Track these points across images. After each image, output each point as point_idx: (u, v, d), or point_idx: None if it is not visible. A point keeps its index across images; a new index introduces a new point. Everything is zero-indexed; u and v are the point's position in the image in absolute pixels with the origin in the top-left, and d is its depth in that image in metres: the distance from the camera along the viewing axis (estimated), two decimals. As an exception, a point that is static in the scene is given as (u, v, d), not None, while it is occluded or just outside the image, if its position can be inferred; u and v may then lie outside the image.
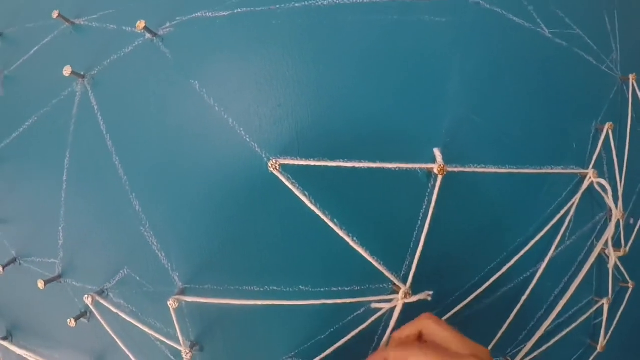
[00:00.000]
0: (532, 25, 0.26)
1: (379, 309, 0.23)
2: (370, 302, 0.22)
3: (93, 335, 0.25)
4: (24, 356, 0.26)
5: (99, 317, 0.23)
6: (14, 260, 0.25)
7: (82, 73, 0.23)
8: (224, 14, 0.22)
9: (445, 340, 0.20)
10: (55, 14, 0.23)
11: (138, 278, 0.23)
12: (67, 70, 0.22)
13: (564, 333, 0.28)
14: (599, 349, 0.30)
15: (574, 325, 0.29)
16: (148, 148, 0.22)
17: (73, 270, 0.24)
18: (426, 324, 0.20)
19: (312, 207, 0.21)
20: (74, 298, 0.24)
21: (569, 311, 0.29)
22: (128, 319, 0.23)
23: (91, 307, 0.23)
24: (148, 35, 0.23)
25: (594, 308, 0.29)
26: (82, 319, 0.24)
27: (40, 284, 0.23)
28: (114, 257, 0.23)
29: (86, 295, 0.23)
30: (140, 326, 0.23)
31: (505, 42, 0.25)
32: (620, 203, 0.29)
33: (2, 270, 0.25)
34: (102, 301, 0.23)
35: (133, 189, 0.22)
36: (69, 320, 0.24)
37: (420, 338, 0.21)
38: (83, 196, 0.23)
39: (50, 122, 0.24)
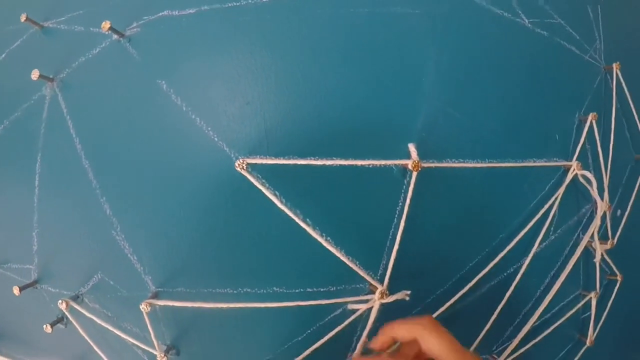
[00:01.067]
0: (511, 15, 0.25)
1: (356, 310, 0.22)
2: (346, 303, 0.21)
3: (71, 340, 0.24)
4: (5, 362, 0.25)
5: (74, 323, 0.22)
6: (-10, 267, 0.25)
7: (51, 76, 0.22)
8: (191, 11, 0.21)
9: (441, 354, 0.17)
10: (23, 18, 0.22)
11: (112, 282, 0.22)
12: (34, 74, 0.22)
13: (551, 329, 0.27)
14: (588, 343, 0.28)
15: (561, 320, 0.27)
16: (117, 151, 0.21)
17: (49, 276, 0.24)
18: (422, 334, 0.18)
19: (282, 207, 0.20)
20: (50, 304, 0.24)
21: (556, 306, 0.28)
22: (103, 324, 0.22)
23: (65, 312, 0.22)
24: (115, 36, 0.22)
25: (582, 302, 0.28)
26: (59, 325, 0.24)
27: (16, 290, 0.23)
28: (88, 261, 0.22)
29: (60, 301, 0.22)
30: (116, 331, 0.22)
31: (483, 32, 0.24)
32: (606, 195, 0.27)
33: (-19, 277, 0.25)
34: (76, 306, 0.22)
35: (103, 192, 0.22)
36: (44, 326, 0.23)
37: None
38: (55, 201, 0.23)
39: (22, 126, 0.23)
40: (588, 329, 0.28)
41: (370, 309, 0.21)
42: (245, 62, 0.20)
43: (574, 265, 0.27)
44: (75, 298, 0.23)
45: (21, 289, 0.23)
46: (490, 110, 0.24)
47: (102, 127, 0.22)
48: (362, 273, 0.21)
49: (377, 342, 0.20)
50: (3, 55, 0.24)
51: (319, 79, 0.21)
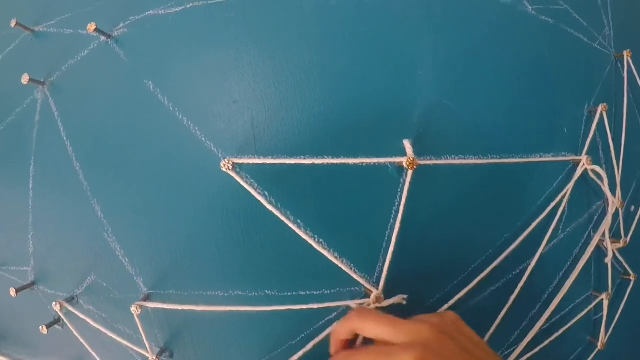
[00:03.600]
0: (513, 2, 0.23)
1: (351, 313, 0.20)
2: (340, 307, 0.19)
3: (68, 341, 0.23)
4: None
5: (68, 324, 0.22)
6: (-10, 269, 0.24)
7: (42, 80, 0.22)
8: (176, 10, 0.20)
9: (380, 336, 0.16)
10: (13, 23, 0.22)
11: (105, 284, 0.21)
12: (25, 79, 0.21)
13: (561, 331, 0.25)
14: (599, 346, 0.26)
15: (571, 322, 0.25)
16: (106, 152, 0.20)
17: (45, 278, 0.23)
18: (354, 324, 0.17)
19: (270, 208, 0.18)
20: (47, 305, 0.23)
21: (566, 308, 0.25)
22: (97, 326, 0.21)
23: (60, 314, 0.21)
24: (102, 38, 0.20)
25: (593, 304, 0.26)
26: (55, 326, 0.23)
27: (12, 292, 0.22)
28: (81, 263, 0.21)
29: (54, 303, 0.21)
30: (109, 333, 0.21)
31: (483, 20, 0.22)
32: (618, 191, 0.25)
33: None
34: (70, 308, 0.21)
35: (94, 194, 0.21)
36: (40, 327, 0.22)
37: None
38: (48, 203, 0.22)
39: (16, 130, 0.22)
40: (599, 331, 0.26)
41: (365, 313, 0.20)
42: (231, 59, 0.19)
43: (584, 265, 0.24)
44: (70, 300, 0.22)
45: (18, 290, 0.22)
46: (492, 102, 0.21)
47: (92, 129, 0.21)
48: (355, 276, 0.19)
49: (332, 349, 0.19)
50: (-2, 61, 0.24)
51: (308, 74, 0.19)
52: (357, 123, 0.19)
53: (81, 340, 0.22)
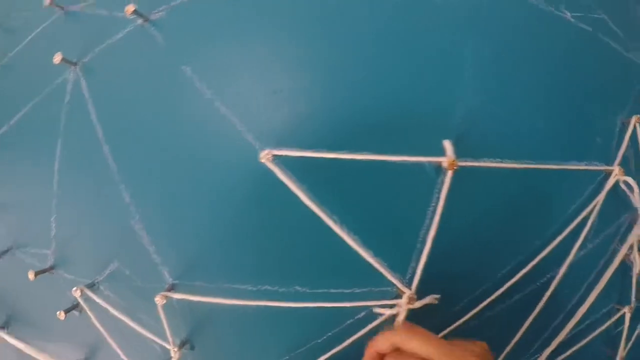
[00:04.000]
0: (554, 8, 0.22)
1: (381, 314, 0.20)
2: (371, 306, 0.19)
3: (85, 328, 0.22)
4: (18, 346, 0.24)
5: (87, 311, 0.21)
6: (8, 250, 0.23)
7: (74, 61, 0.21)
8: (219, -5, 0.20)
9: (426, 355, 0.16)
10: (47, 1, 0.21)
11: (128, 272, 0.21)
12: (57, 58, 0.20)
13: (582, 343, 0.24)
14: (618, 360, 0.26)
15: (593, 334, 0.25)
16: (138, 137, 0.20)
17: (65, 262, 0.22)
18: (400, 338, 0.17)
19: (309, 203, 0.18)
20: (66, 290, 0.22)
21: (588, 319, 0.25)
22: (117, 314, 0.21)
23: (79, 300, 0.21)
24: (140, 20, 0.20)
25: (616, 317, 0.25)
26: (73, 312, 0.22)
27: (31, 275, 0.21)
28: (104, 250, 0.21)
29: (75, 288, 0.21)
30: (130, 322, 0.21)
31: (524, 25, 0.21)
32: (647, 204, 0.25)
33: (-2, 261, 0.23)
34: (91, 294, 0.21)
35: (123, 179, 0.20)
36: (58, 312, 0.21)
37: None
38: (74, 187, 0.21)
39: (43, 111, 0.22)
40: (618, 345, 0.26)
41: (395, 315, 0.19)
42: (274, 49, 0.19)
43: (609, 278, 0.24)
44: (91, 286, 0.21)
45: (36, 273, 0.21)
46: (530, 108, 0.21)
47: (124, 113, 0.20)
48: (390, 276, 0.19)
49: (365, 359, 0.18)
50: (27, 40, 0.23)
51: (352, 69, 0.19)
52: (397, 121, 0.19)
53: (100, 328, 0.21)
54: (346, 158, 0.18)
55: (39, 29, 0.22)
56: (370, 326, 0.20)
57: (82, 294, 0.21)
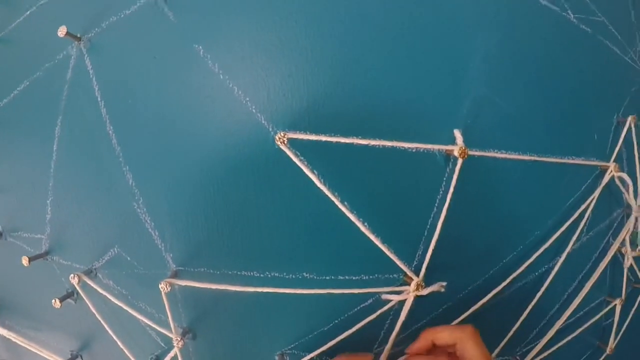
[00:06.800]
0: (558, 8, 0.23)
1: (387, 301, 0.20)
2: (379, 293, 0.19)
3: (80, 317, 0.22)
4: (7, 337, 0.23)
5: (85, 299, 0.20)
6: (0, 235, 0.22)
7: (79, 35, 0.20)
8: (234, -26, 0.19)
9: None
10: (51, -28, 0.20)
11: (129, 258, 0.20)
12: (61, 31, 0.19)
13: (575, 333, 0.25)
14: (608, 351, 0.27)
15: (585, 325, 0.25)
16: (145, 117, 0.19)
17: (60, 247, 0.21)
18: (463, 341, 0.18)
19: (322, 187, 0.18)
20: (61, 277, 0.21)
21: (580, 311, 0.26)
22: (116, 301, 0.20)
23: (77, 287, 0.20)
24: (150, -4, 0.20)
25: (607, 309, 0.26)
26: (68, 300, 0.21)
27: (25, 261, 0.20)
28: (104, 234, 0.20)
29: (72, 275, 0.20)
30: (130, 310, 0.20)
31: (531, 22, 0.22)
32: (639, 200, 0.26)
33: (-13, 246, 0.22)
34: (89, 282, 0.20)
35: (127, 161, 0.19)
36: (53, 300, 0.20)
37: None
38: (73, 167, 0.20)
39: (43, 87, 0.21)
40: (609, 336, 0.27)
41: (402, 301, 0.19)
42: (290, 31, 0.18)
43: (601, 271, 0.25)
44: (88, 272, 0.20)
45: (31, 259, 0.20)
46: (534, 102, 0.22)
47: (131, 91, 0.19)
48: (399, 263, 0.19)
49: (414, 347, 0.19)
50: (27, 12, 0.22)
51: (366, 56, 0.19)
52: (409, 109, 0.19)
53: (98, 317, 0.20)
54: (361, 143, 0.18)
55: (41, 1, 0.21)
56: (377, 313, 0.20)
57: (80, 281, 0.20)
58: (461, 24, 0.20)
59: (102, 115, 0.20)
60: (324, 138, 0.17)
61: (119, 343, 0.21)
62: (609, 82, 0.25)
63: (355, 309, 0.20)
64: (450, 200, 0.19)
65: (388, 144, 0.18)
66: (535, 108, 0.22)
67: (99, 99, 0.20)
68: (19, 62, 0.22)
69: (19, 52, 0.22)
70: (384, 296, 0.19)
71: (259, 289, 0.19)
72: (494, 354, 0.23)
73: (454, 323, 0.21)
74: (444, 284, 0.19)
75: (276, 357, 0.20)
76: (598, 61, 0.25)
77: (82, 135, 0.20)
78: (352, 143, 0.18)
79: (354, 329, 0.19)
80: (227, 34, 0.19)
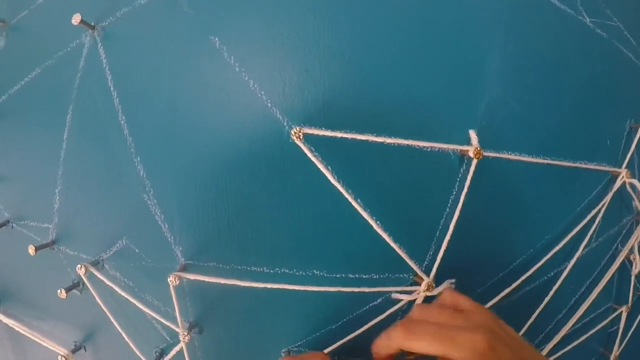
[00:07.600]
0: (575, 12, 0.23)
1: (397, 301, 0.19)
2: (389, 292, 0.19)
3: (85, 308, 0.21)
4: (11, 326, 0.22)
5: (91, 290, 0.20)
6: (6, 223, 0.22)
7: (92, 24, 0.20)
8: (252, -33, 0.19)
9: (434, 353, 0.15)
10: (66, -41, 0.20)
11: (137, 250, 0.20)
12: (76, 19, 0.19)
13: (581, 340, 0.25)
14: (612, 358, 0.27)
15: (591, 332, 0.25)
16: (158, 108, 0.19)
17: (68, 237, 0.21)
18: (399, 342, 0.16)
19: (335, 184, 0.17)
20: (67, 267, 0.21)
21: (587, 317, 0.26)
22: (123, 293, 0.20)
23: (84, 278, 0.20)
24: (166, -13, 0.19)
25: (612, 316, 0.26)
26: (74, 291, 0.21)
27: (31, 250, 0.20)
28: (113, 225, 0.20)
29: (79, 265, 0.20)
30: (136, 303, 0.20)
31: (547, 25, 0.22)
32: (649, 207, 0.26)
33: (-7, 234, 0.22)
34: (96, 273, 0.20)
35: (138, 152, 0.19)
36: (59, 290, 0.20)
37: None
38: (83, 157, 0.20)
39: (55, 75, 0.21)
40: (613, 343, 0.27)
41: (412, 301, 0.19)
42: (307, 26, 0.18)
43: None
44: (95, 263, 0.20)
45: (37, 248, 0.20)
46: (548, 105, 0.22)
47: (145, 82, 0.19)
48: (410, 263, 0.19)
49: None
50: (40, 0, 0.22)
51: (383, 54, 0.19)
52: (424, 108, 0.19)
53: (103, 308, 0.20)
54: (376, 141, 0.18)
55: (53, -10, 0.21)
56: (386, 312, 0.19)
57: (87, 272, 0.20)
58: (478, 25, 0.20)
59: (115, 105, 0.20)
60: (339, 134, 0.17)
61: (124, 335, 0.21)
62: (622, 88, 0.25)
63: (365, 308, 0.20)
64: (464, 200, 0.19)
65: (403, 142, 0.18)
66: (549, 111, 0.22)
67: (111, 89, 0.20)
68: (31, 50, 0.22)
69: (31, 40, 0.22)
70: (394, 295, 0.19)
71: (269, 285, 0.19)
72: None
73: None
74: (453, 281, 0.19)
75: (283, 354, 0.20)
76: (612, 66, 0.24)
77: (94, 125, 0.20)
78: (367, 140, 0.17)
79: (363, 328, 0.19)
80: (244, 26, 0.19)
